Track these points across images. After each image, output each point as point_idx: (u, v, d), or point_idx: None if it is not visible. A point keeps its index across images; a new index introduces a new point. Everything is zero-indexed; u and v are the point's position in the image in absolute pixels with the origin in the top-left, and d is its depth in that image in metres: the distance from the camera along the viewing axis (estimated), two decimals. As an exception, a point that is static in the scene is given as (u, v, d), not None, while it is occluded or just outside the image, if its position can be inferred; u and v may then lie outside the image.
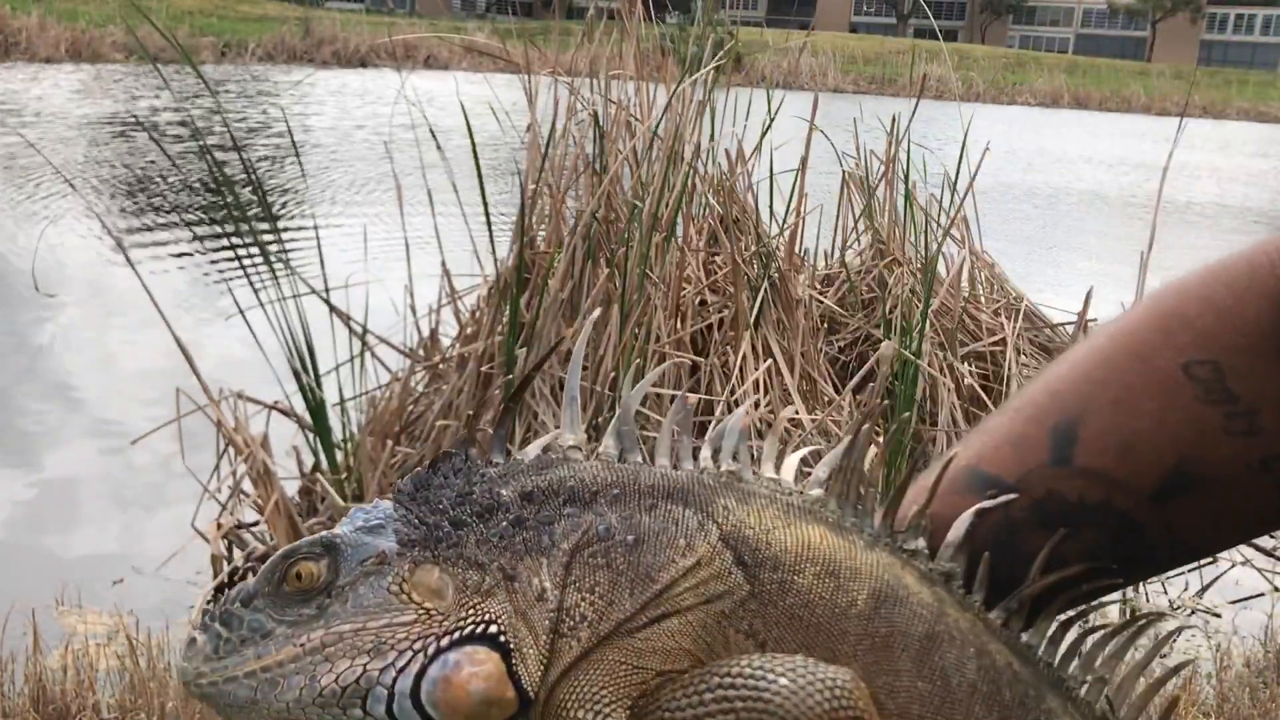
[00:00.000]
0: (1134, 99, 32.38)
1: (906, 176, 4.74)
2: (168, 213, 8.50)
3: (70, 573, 3.42)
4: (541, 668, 0.52)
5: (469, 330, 3.95)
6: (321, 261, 3.80)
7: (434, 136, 3.89)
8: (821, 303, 4.75)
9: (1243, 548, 4.22)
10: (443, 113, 4.48)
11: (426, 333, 4.08)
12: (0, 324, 6.04)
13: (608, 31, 4.24)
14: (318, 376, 3.71)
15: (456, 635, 0.52)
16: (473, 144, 3.63)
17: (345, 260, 4.32)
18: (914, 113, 4.48)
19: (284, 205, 8.64)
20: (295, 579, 0.54)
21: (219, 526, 3.63)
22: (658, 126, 3.94)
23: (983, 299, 4.99)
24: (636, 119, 4.05)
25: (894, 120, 4.64)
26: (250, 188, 4.29)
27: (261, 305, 3.71)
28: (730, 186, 4.30)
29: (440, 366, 3.99)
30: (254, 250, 3.83)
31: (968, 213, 4.78)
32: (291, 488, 3.67)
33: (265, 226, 4.00)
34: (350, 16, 27.86)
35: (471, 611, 0.52)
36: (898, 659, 0.56)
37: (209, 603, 0.57)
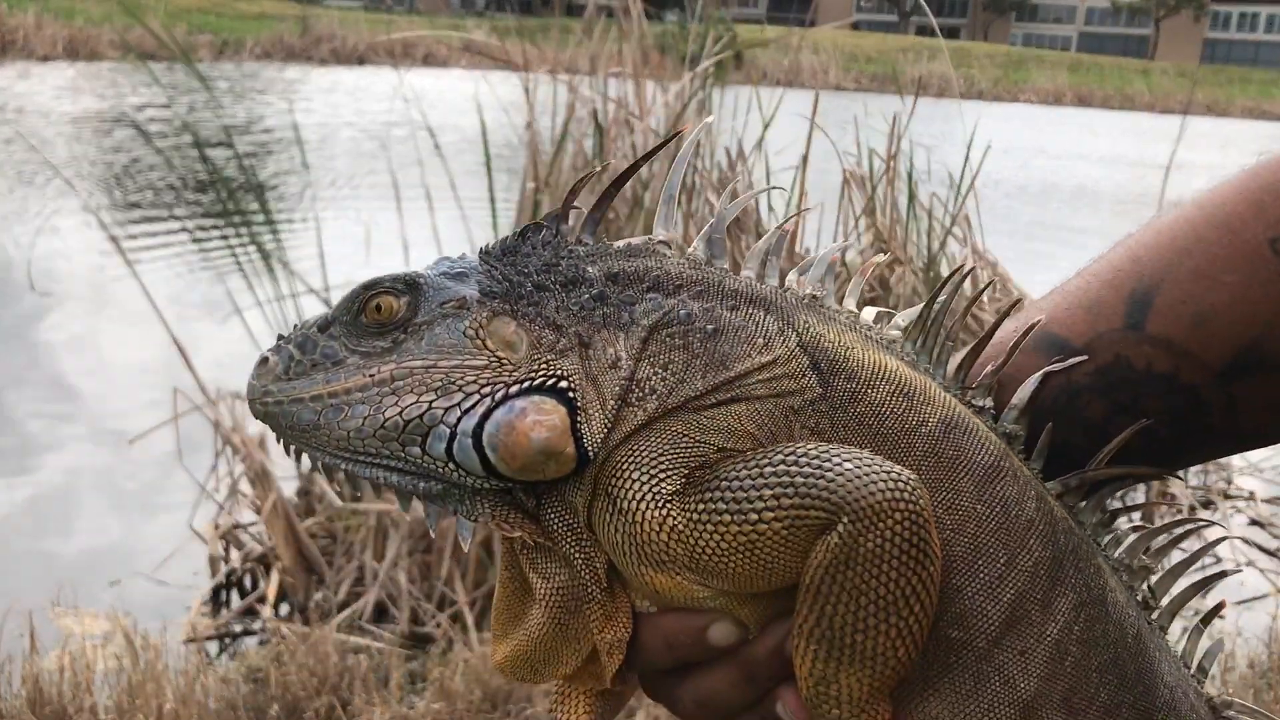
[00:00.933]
0: (1137, 97, 32.35)
1: (911, 174, 4.72)
2: (159, 209, 8.48)
3: (67, 574, 3.40)
4: (605, 430, 0.52)
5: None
6: (321, 260, 3.78)
7: (432, 135, 3.88)
8: (822, 302, 4.73)
9: (1246, 548, 4.21)
10: (433, 110, 4.46)
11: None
12: (-1, 323, 6.04)
13: (607, 29, 4.22)
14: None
15: (526, 384, 0.51)
16: (485, 146, 3.61)
17: (341, 258, 4.30)
18: (912, 110, 4.46)
19: (277, 203, 8.62)
20: (375, 311, 0.54)
21: (216, 527, 3.62)
22: (670, 126, 3.92)
23: (985, 298, 4.97)
24: (636, 117, 4.03)
25: (895, 119, 4.62)
26: (244, 188, 4.27)
27: (259, 304, 3.70)
28: (730, 185, 4.28)
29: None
30: (250, 246, 3.82)
31: (969, 211, 4.76)
32: (289, 488, 3.66)
33: (261, 222, 3.98)
34: (349, 14, 27.84)
35: (544, 366, 0.52)
36: (961, 480, 0.56)
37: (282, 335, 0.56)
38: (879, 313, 0.63)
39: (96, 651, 2.93)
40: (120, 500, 4.29)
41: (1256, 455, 4.93)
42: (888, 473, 0.50)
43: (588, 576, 0.53)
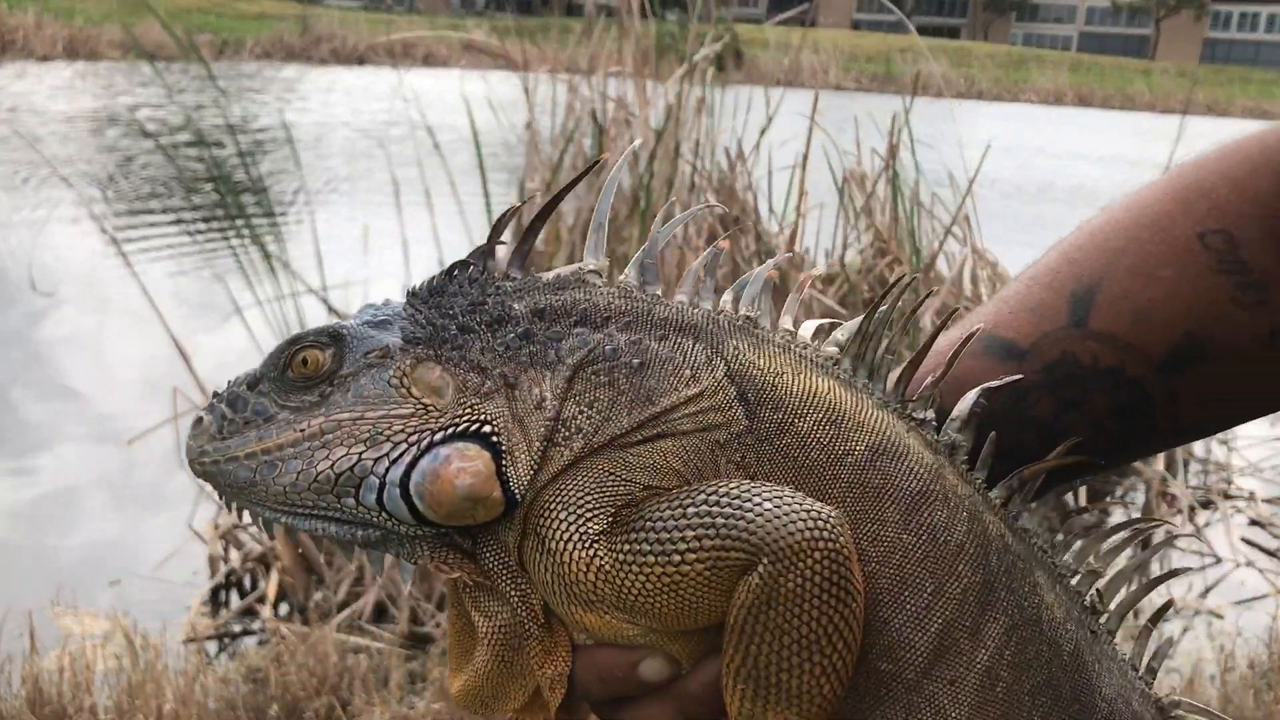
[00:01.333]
0: (1138, 97, 32.33)
1: (916, 172, 4.72)
2: (158, 208, 8.48)
3: (66, 573, 3.40)
4: (531, 472, 0.53)
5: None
6: (319, 259, 3.78)
7: (431, 135, 3.87)
8: (822, 302, 4.73)
9: (1246, 549, 4.20)
10: (431, 110, 4.46)
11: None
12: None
13: (606, 29, 4.22)
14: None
15: (450, 430, 0.52)
16: (477, 144, 3.61)
17: (340, 256, 4.30)
18: (906, 110, 4.45)
19: (276, 202, 8.61)
20: (300, 365, 0.54)
21: (216, 527, 3.62)
22: (663, 125, 3.92)
23: (985, 297, 4.97)
24: (635, 116, 4.03)
25: (894, 119, 4.62)
26: (243, 187, 4.27)
27: (259, 304, 3.70)
28: (730, 185, 4.28)
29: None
30: (249, 245, 3.82)
31: (969, 211, 4.76)
32: (289, 488, 3.65)
33: (260, 221, 3.98)
34: (348, 14, 27.84)
35: (468, 410, 0.53)
36: (886, 510, 0.55)
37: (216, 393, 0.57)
38: (818, 327, 0.62)
39: (96, 651, 2.92)
40: (120, 500, 4.28)
41: (1256, 455, 4.92)
42: (807, 511, 0.51)
43: (525, 614, 0.54)
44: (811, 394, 0.56)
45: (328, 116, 14.38)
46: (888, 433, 0.57)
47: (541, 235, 3.58)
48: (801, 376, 0.57)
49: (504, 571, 0.54)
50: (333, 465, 0.53)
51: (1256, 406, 0.71)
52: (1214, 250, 0.66)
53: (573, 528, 0.52)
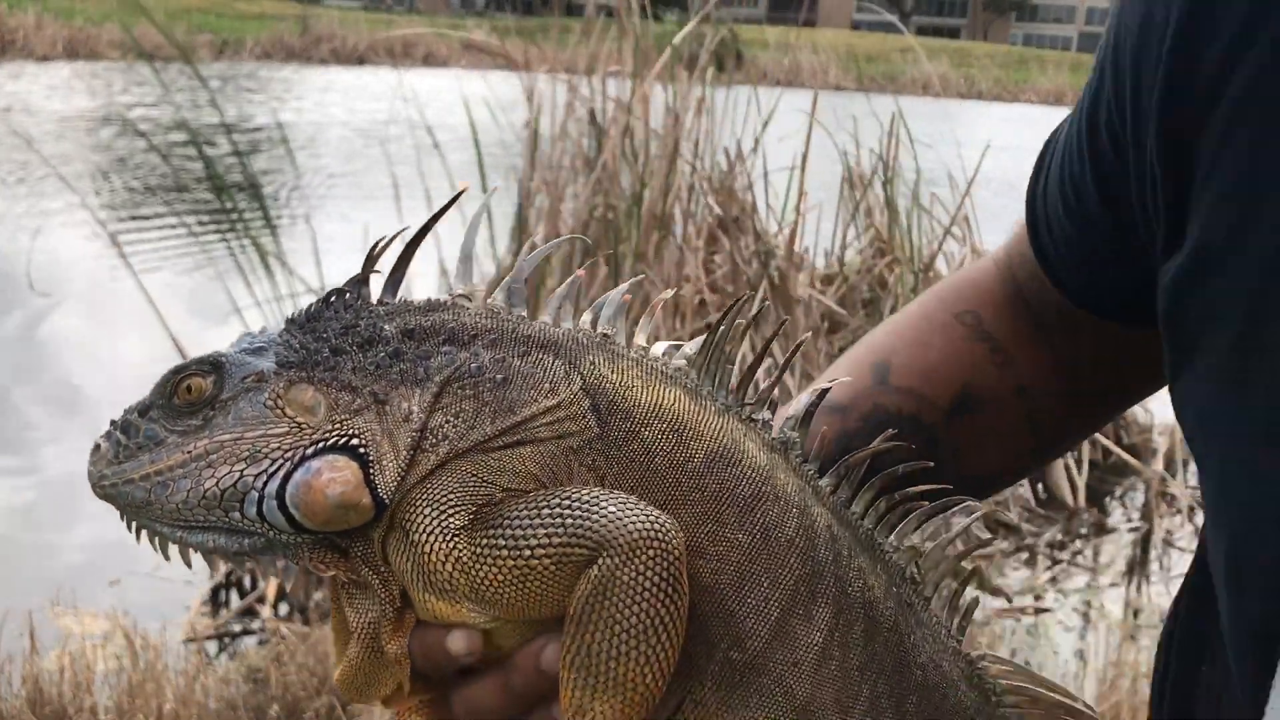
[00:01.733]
0: (1135, 96, 32.27)
1: (916, 172, 4.72)
2: (157, 208, 8.48)
3: (66, 573, 3.41)
4: (399, 478, 0.58)
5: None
6: (317, 259, 3.78)
7: (430, 134, 3.88)
8: (821, 302, 4.73)
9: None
10: (430, 110, 4.46)
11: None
12: (-2, 323, 6.03)
13: (606, 29, 4.22)
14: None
15: (320, 445, 0.58)
16: (476, 142, 3.61)
17: (339, 256, 4.30)
18: (897, 111, 4.45)
19: (273, 202, 8.62)
20: (185, 392, 0.60)
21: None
22: (669, 126, 3.92)
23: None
24: (635, 116, 4.03)
25: (894, 118, 4.62)
26: (241, 187, 4.28)
27: (258, 304, 3.70)
28: (729, 185, 4.28)
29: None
30: (248, 245, 3.83)
31: (968, 211, 4.76)
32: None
33: (259, 221, 3.98)
34: (348, 14, 27.84)
35: (338, 426, 0.58)
36: (724, 511, 0.62)
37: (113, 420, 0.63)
38: (669, 346, 0.67)
39: (96, 651, 2.93)
40: (120, 500, 4.28)
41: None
42: (646, 515, 0.57)
43: (383, 596, 0.60)
44: (657, 405, 0.62)
45: (327, 116, 14.39)
46: (725, 439, 0.63)
47: (541, 235, 3.61)
48: (650, 389, 0.63)
49: (369, 564, 0.60)
50: (218, 482, 0.59)
51: (1019, 460, 0.90)
52: (968, 325, 0.87)
53: (435, 522, 0.58)
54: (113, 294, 6.24)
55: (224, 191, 4.09)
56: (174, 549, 0.63)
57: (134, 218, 8.44)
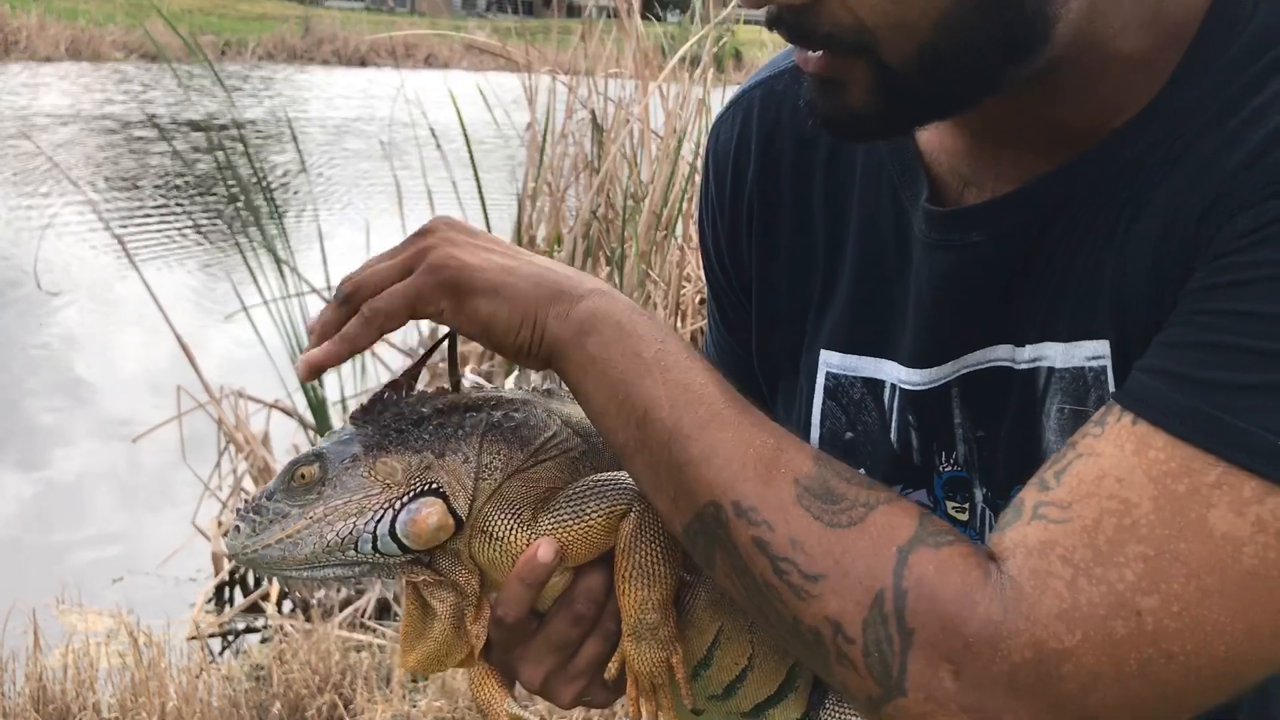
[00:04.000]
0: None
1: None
2: (163, 207, 8.51)
3: (71, 571, 3.43)
4: (469, 502, 0.82)
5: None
6: (324, 259, 3.81)
7: (433, 134, 3.90)
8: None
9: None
10: (432, 110, 4.48)
11: (427, 331, 4.08)
12: (5, 322, 6.06)
13: (607, 30, 4.24)
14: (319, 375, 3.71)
15: (411, 494, 0.82)
16: (467, 142, 3.63)
17: (343, 256, 4.32)
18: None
19: (279, 199, 8.63)
20: (300, 478, 0.82)
21: (219, 524, 3.64)
22: (678, 130, 3.94)
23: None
24: (635, 117, 4.05)
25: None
26: (248, 187, 4.29)
27: (265, 303, 3.72)
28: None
29: (440, 365, 3.99)
30: (255, 245, 3.85)
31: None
32: (292, 486, 3.67)
33: (268, 221, 4.00)
34: (350, 15, 27.86)
35: (419, 479, 0.82)
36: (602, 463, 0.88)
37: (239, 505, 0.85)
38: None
39: (100, 649, 2.94)
40: (125, 497, 4.31)
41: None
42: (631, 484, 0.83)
43: (467, 589, 0.84)
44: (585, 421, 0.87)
45: (327, 116, 14.42)
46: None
47: (543, 235, 3.59)
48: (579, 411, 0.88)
49: (459, 565, 0.84)
50: (336, 533, 0.81)
51: None
52: None
53: (513, 520, 0.83)
54: (119, 293, 6.27)
55: (229, 190, 4.12)
56: (302, 586, 0.86)
57: (140, 217, 8.46)
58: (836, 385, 0.88)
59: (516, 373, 0.88)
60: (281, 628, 3.12)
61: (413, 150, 4.19)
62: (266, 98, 15.75)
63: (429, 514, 0.80)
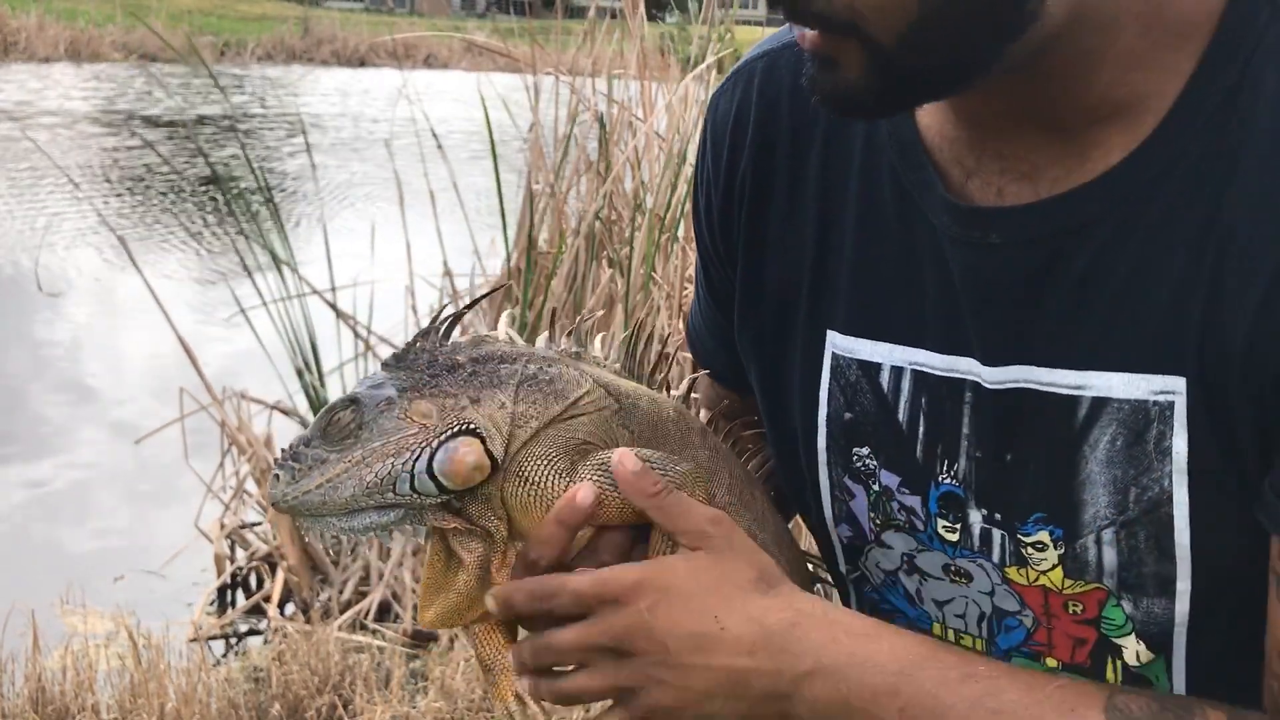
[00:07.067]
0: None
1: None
2: (164, 209, 8.50)
3: (73, 572, 3.42)
4: (505, 445, 0.83)
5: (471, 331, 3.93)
6: (329, 260, 3.80)
7: (434, 135, 3.89)
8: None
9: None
10: (431, 111, 4.47)
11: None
12: (7, 323, 6.05)
13: (609, 31, 4.23)
14: (321, 376, 3.71)
15: (449, 433, 0.82)
16: (492, 146, 3.63)
17: (346, 257, 4.31)
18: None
19: (282, 201, 8.63)
20: (336, 423, 0.82)
21: (222, 526, 3.63)
22: (681, 131, 3.93)
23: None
24: (639, 119, 4.05)
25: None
26: (250, 189, 4.29)
27: (265, 304, 3.71)
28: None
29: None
30: (256, 245, 3.84)
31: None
32: (294, 487, 3.66)
33: (267, 222, 3.99)
34: (349, 15, 27.86)
35: (455, 418, 0.83)
36: (693, 438, 0.93)
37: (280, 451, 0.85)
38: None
39: (100, 650, 2.94)
40: (127, 499, 4.30)
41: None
42: (685, 466, 0.87)
43: (497, 535, 0.84)
44: (633, 387, 0.92)
45: (328, 117, 14.41)
46: (662, 399, 0.94)
47: (544, 238, 3.57)
48: (620, 379, 0.91)
49: (490, 510, 0.84)
50: (375, 474, 0.81)
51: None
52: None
53: (549, 467, 0.84)
54: (119, 294, 6.26)
55: (228, 190, 4.11)
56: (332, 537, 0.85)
57: (139, 207, 8.45)
58: (837, 366, 0.89)
59: (545, 334, 0.95)
60: (281, 629, 3.12)
61: (413, 149, 4.18)
62: (265, 96, 15.74)
63: (466, 452, 0.81)
